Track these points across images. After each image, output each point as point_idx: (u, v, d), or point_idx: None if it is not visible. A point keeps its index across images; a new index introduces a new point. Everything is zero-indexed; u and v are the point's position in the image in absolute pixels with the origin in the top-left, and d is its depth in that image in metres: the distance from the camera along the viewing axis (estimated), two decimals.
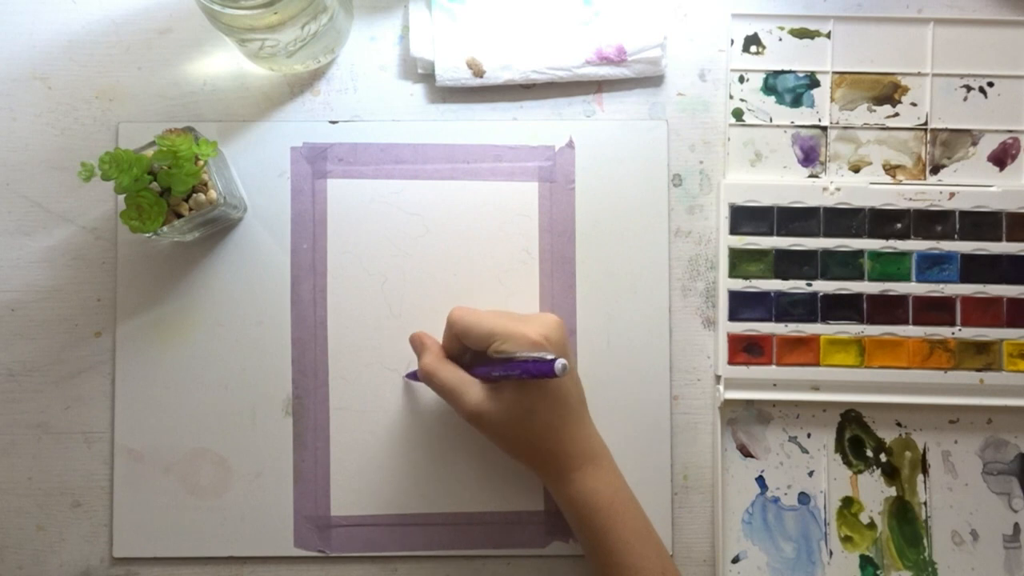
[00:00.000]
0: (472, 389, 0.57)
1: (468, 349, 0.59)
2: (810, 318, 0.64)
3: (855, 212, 0.64)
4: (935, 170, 0.65)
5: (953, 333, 0.64)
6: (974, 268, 0.64)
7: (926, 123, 0.65)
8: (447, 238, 0.64)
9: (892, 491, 0.64)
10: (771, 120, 0.65)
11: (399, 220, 0.64)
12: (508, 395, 0.56)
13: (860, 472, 0.64)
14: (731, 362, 0.64)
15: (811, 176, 0.65)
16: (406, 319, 0.64)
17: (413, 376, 0.63)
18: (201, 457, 0.63)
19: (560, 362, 0.52)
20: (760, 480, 0.64)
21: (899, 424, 0.65)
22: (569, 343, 0.59)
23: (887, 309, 0.64)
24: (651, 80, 0.65)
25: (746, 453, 0.64)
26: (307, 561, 0.63)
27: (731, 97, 0.65)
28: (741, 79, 0.65)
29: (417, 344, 0.61)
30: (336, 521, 0.63)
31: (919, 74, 0.65)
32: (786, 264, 0.64)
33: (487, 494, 0.63)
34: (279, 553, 0.63)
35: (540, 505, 0.63)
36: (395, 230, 0.64)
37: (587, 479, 0.57)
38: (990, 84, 0.65)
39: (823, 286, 0.64)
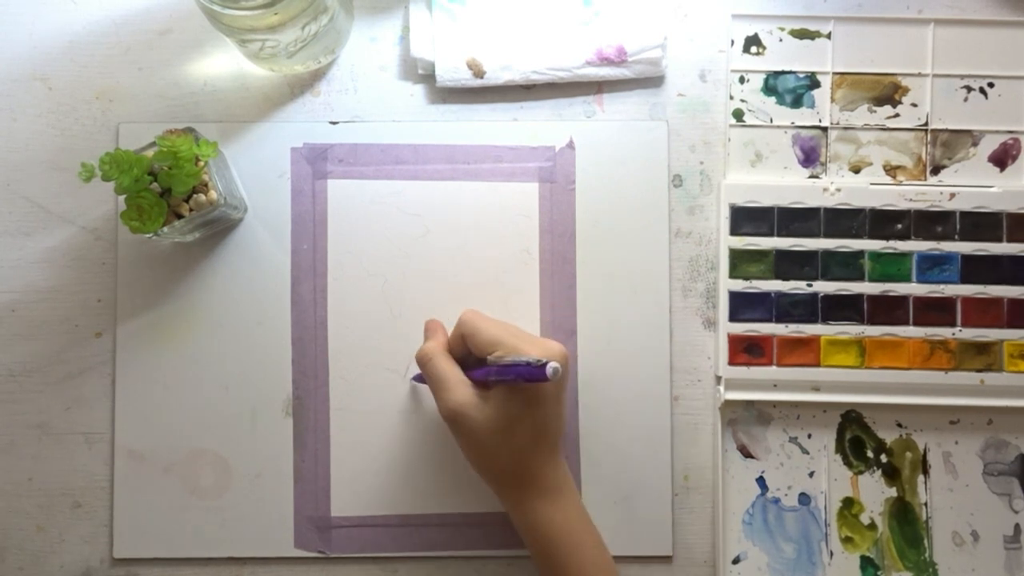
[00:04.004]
0: (460, 388, 0.57)
1: (471, 354, 0.59)
2: (810, 319, 0.64)
3: (855, 213, 0.64)
4: (935, 171, 0.65)
5: (954, 334, 0.64)
6: (974, 269, 0.64)
7: (926, 124, 0.65)
8: (447, 239, 0.64)
9: (893, 492, 0.64)
10: (771, 121, 0.65)
11: (399, 221, 0.64)
12: (492, 405, 0.56)
13: (860, 473, 0.64)
14: (731, 363, 0.64)
15: (811, 177, 0.65)
16: (406, 320, 0.64)
17: (419, 379, 0.63)
18: (201, 458, 0.63)
19: (552, 365, 0.52)
20: (760, 481, 0.64)
21: (900, 425, 0.65)
22: (568, 376, 0.59)
23: (887, 310, 0.64)
24: (651, 81, 0.65)
25: (746, 454, 0.64)
26: (307, 562, 0.63)
27: (731, 98, 0.65)
28: (741, 80, 0.65)
29: (429, 330, 0.61)
30: (336, 522, 0.63)
31: (919, 75, 0.65)
32: (786, 265, 0.64)
33: (487, 495, 0.63)
34: (279, 554, 0.63)
35: None
36: (395, 231, 0.64)
37: (547, 508, 0.57)
38: (990, 85, 0.65)
39: (823, 287, 0.64)
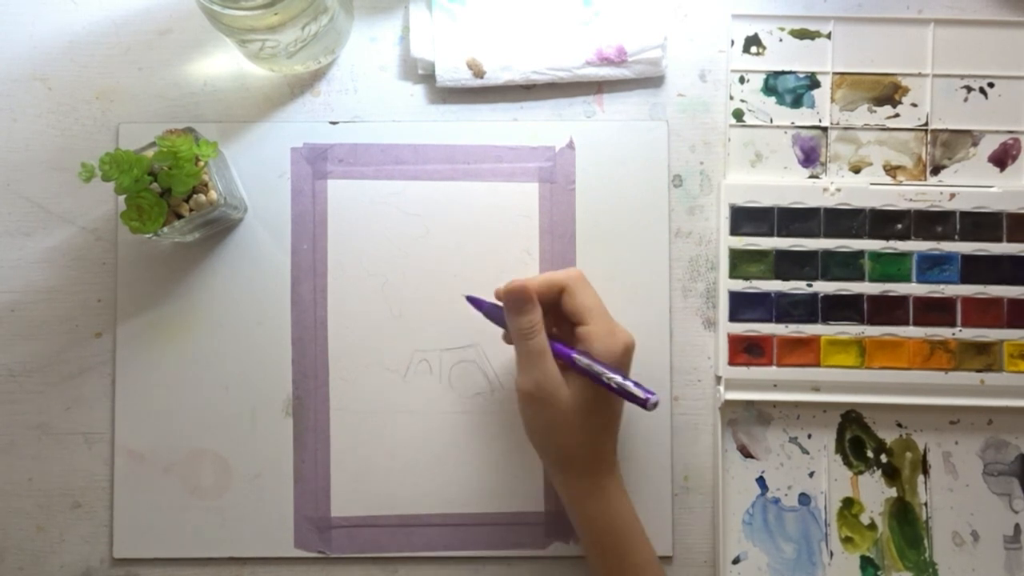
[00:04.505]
0: (552, 367, 0.56)
1: (552, 306, 0.58)
2: (810, 319, 0.64)
3: (855, 213, 0.64)
4: (935, 171, 0.65)
5: (954, 334, 0.64)
6: (974, 269, 0.64)
7: (926, 124, 0.65)
8: (447, 239, 0.64)
9: (893, 492, 0.64)
10: (771, 121, 0.65)
11: (399, 221, 0.64)
12: (578, 388, 0.56)
13: (861, 473, 0.64)
14: (731, 363, 0.64)
15: (811, 177, 0.65)
16: (406, 320, 0.64)
17: (479, 304, 0.60)
18: (201, 458, 0.63)
19: (654, 399, 0.55)
20: (760, 481, 0.64)
21: (900, 425, 0.65)
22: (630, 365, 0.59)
23: (887, 310, 0.64)
24: (651, 81, 0.65)
25: (746, 454, 0.64)
26: (307, 562, 0.63)
27: (731, 98, 0.65)
28: (741, 80, 0.65)
29: (524, 298, 0.57)
30: (336, 522, 0.63)
31: (919, 75, 0.65)
32: (786, 265, 0.64)
33: (487, 495, 0.63)
34: (279, 554, 0.63)
35: (540, 506, 0.63)
36: (395, 231, 0.64)
37: (609, 498, 0.58)
38: (990, 85, 0.65)
39: (823, 287, 0.64)
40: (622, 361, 0.57)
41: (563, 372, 0.57)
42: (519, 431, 0.60)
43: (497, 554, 0.63)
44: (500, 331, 0.61)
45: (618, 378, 0.56)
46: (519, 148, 0.65)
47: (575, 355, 0.57)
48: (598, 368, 0.56)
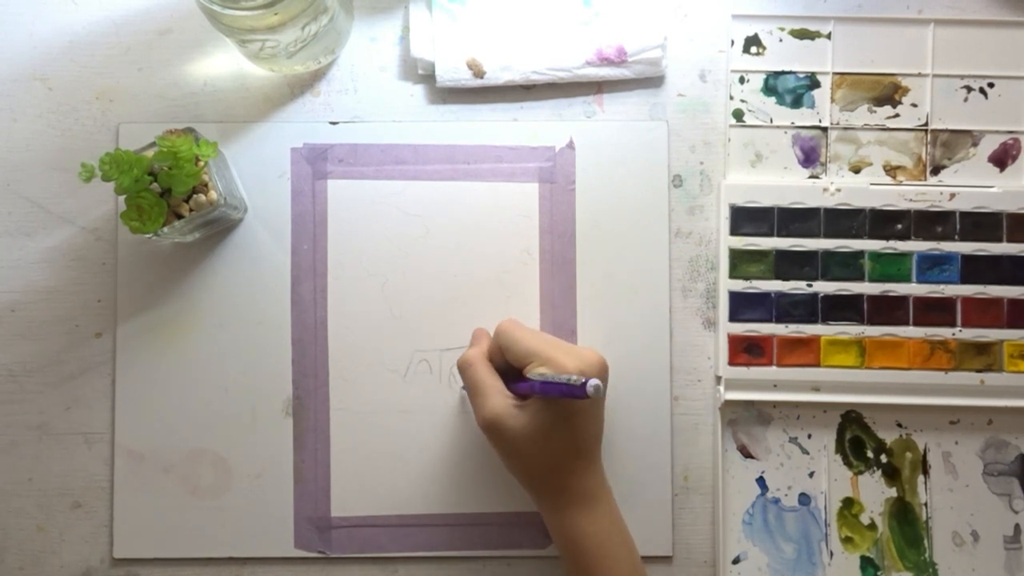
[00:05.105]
0: (496, 397, 0.56)
1: (509, 364, 0.58)
2: (810, 319, 0.64)
3: (855, 213, 0.64)
4: (936, 171, 0.65)
5: (954, 334, 0.64)
6: (974, 269, 0.64)
7: (926, 124, 0.65)
8: (447, 239, 0.64)
9: (893, 492, 0.64)
10: (771, 121, 0.65)
11: (399, 221, 0.64)
12: (528, 415, 0.56)
13: (860, 473, 0.64)
14: (731, 363, 0.64)
15: (811, 177, 0.65)
16: (406, 320, 0.64)
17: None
18: (201, 457, 0.63)
19: (592, 383, 0.51)
20: (760, 481, 0.64)
21: (899, 425, 0.65)
22: (607, 386, 0.58)
23: (887, 310, 0.64)
24: (651, 81, 0.65)
25: (746, 454, 0.64)
26: (307, 562, 0.63)
27: (731, 98, 0.65)
28: (741, 80, 0.65)
29: (475, 337, 0.62)
30: (336, 522, 0.63)
31: (919, 75, 0.65)
32: (786, 265, 0.64)
33: (487, 495, 0.63)
34: (279, 554, 0.63)
35: None
36: (395, 231, 0.64)
37: (580, 518, 0.56)
38: (990, 85, 0.65)
39: (823, 287, 0.64)
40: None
41: (520, 405, 0.56)
42: None
43: (497, 554, 0.64)
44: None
45: (550, 375, 0.54)
46: (519, 148, 0.65)
47: (526, 376, 0.56)
48: (537, 376, 0.55)
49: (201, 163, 0.58)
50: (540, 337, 0.58)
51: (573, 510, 0.57)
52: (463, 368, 0.59)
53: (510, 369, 0.58)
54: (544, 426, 0.55)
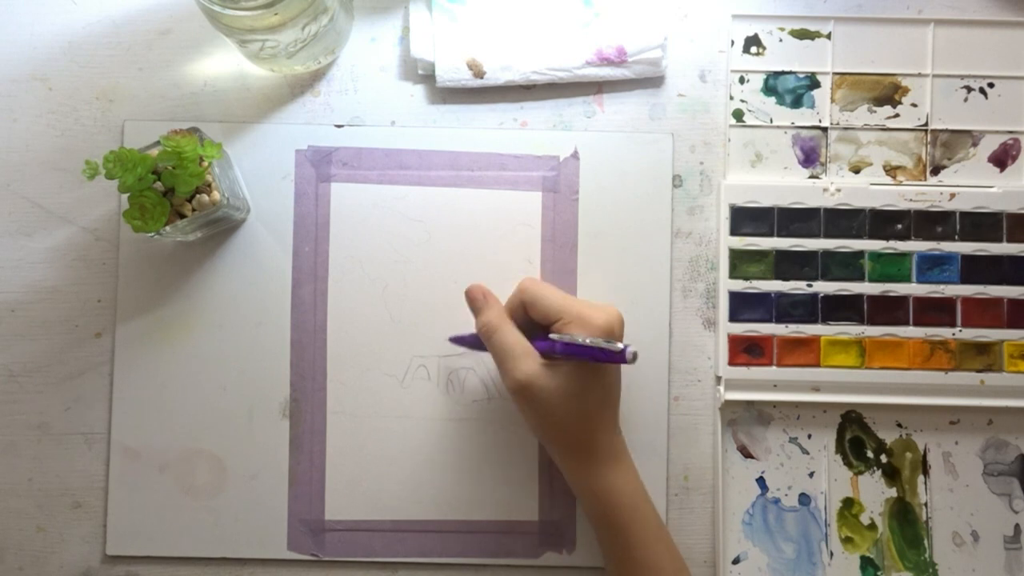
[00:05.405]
0: (529, 359, 0.56)
1: (529, 321, 0.58)
2: (810, 319, 0.64)
3: (855, 213, 0.64)
4: (935, 171, 0.65)
5: (954, 334, 0.64)
6: (975, 269, 0.64)
7: (926, 124, 0.65)
8: (449, 245, 0.64)
9: (893, 492, 0.64)
10: (771, 121, 0.65)
11: (402, 226, 0.64)
12: (563, 374, 0.56)
13: (861, 473, 0.64)
14: (731, 363, 0.64)
15: (811, 177, 0.65)
16: (406, 325, 0.64)
17: (461, 339, 0.62)
18: (197, 457, 0.63)
19: (631, 350, 0.53)
20: (760, 481, 0.64)
21: (900, 425, 0.65)
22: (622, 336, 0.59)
23: (887, 310, 0.64)
24: (651, 81, 0.65)
25: (746, 454, 0.64)
26: (300, 564, 0.63)
27: (731, 98, 0.65)
28: (741, 80, 0.65)
29: (478, 298, 0.60)
30: (330, 525, 0.63)
31: (919, 75, 0.65)
32: (786, 265, 0.64)
33: (481, 503, 0.63)
34: (272, 556, 0.63)
35: (534, 515, 0.63)
36: (398, 236, 0.64)
37: (612, 475, 0.57)
38: (990, 85, 0.65)
39: (823, 287, 0.64)
40: (611, 335, 0.56)
41: (551, 365, 0.56)
42: (515, 440, 0.60)
43: (490, 562, 0.63)
44: None
45: (588, 339, 0.55)
46: (523, 157, 0.65)
47: (552, 337, 0.56)
48: (572, 339, 0.55)
49: (205, 163, 0.58)
50: (564, 295, 0.59)
51: (605, 468, 0.57)
52: (488, 333, 0.58)
53: (531, 327, 0.58)
54: (578, 386, 0.56)
